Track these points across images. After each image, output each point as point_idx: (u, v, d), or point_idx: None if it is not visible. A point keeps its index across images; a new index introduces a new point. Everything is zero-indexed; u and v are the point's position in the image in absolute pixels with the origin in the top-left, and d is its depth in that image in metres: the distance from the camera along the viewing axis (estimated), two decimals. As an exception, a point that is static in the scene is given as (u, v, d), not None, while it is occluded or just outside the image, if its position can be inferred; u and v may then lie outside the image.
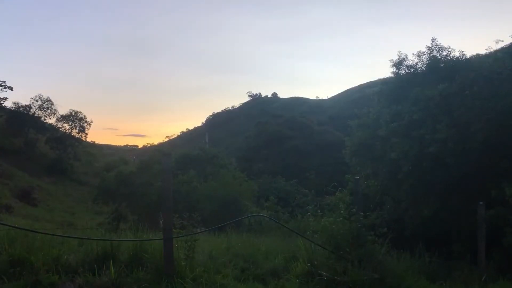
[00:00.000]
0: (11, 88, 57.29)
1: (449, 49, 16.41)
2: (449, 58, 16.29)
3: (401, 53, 17.53)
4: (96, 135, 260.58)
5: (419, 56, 16.98)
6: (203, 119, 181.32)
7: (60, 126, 64.23)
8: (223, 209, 19.92)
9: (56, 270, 4.62)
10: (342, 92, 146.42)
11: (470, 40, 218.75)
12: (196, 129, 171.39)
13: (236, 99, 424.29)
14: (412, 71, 17.18)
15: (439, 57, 16.45)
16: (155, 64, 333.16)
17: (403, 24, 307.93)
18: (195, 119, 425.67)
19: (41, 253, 4.92)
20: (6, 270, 4.43)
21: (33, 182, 47.30)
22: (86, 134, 67.03)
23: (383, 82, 18.54)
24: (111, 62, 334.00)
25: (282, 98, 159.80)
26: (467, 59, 16.12)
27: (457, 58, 16.15)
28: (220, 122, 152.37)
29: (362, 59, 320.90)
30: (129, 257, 5.29)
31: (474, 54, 17.25)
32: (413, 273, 6.54)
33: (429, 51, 16.72)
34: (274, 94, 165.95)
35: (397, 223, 12.56)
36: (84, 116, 65.45)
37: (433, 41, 16.71)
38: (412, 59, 17.26)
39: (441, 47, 16.52)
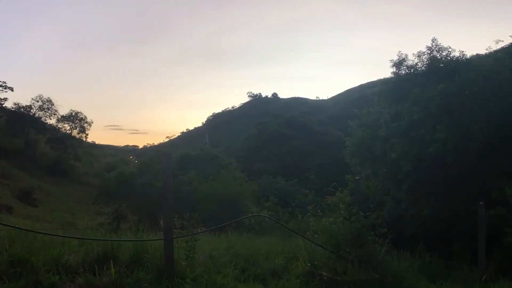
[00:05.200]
0: (11, 89, 57.42)
1: (449, 49, 16.44)
2: (449, 58, 16.29)
3: (401, 53, 17.57)
4: (96, 134, 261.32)
5: (419, 56, 17.00)
6: (203, 119, 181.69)
7: (61, 126, 64.28)
8: (224, 209, 19.90)
9: (56, 271, 4.62)
10: (342, 92, 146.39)
11: (470, 40, 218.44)
12: (196, 129, 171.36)
13: (236, 99, 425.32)
14: (412, 71, 17.19)
15: (439, 57, 16.45)
16: (156, 64, 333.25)
17: (403, 24, 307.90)
18: (195, 119, 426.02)
19: (42, 253, 4.93)
20: (6, 271, 4.43)
21: (33, 183, 47.30)
22: (87, 134, 67.11)
23: (383, 82, 18.55)
24: (111, 61, 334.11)
25: (282, 98, 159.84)
26: (467, 59, 16.12)
27: (457, 58, 16.16)
28: (220, 122, 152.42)
29: (362, 59, 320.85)
30: (129, 258, 5.30)
31: (474, 54, 17.30)
32: (413, 273, 6.54)
33: (429, 51, 16.73)
34: (274, 94, 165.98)
35: (397, 223, 12.59)
36: (85, 116, 65.54)
37: (433, 41, 16.73)
38: (412, 59, 17.29)
39: (441, 47, 16.53)
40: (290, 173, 52.67)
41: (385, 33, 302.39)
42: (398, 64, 17.46)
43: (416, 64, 17.15)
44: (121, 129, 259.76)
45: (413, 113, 14.00)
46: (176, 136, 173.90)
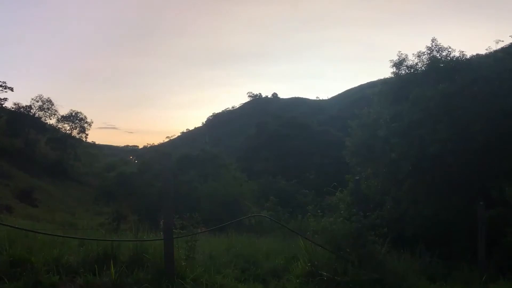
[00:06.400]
0: (11, 89, 57.56)
1: (449, 49, 16.39)
2: (449, 58, 16.27)
3: (401, 53, 17.52)
4: (94, 133, 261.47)
5: (419, 56, 16.97)
6: (203, 119, 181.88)
7: (61, 126, 64.37)
8: (224, 209, 19.94)
9: (56, 271, 4.62)
10: (342, 92, 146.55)
11: (470, 40, 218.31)
12: (196, 129, 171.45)
13: (236, 99, 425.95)
14: (412, 71, 17.17)
15: (439, 57, 16.43)
16: (156, 64, 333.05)
17: (403, 24, 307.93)
18: (195, 119, 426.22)
19: (42, 253, 4.93)
20: (6, 271, 4.44)
21: (33, 183, 47.30)
22: (87, 134, 67.17)
23: (383, 82, 18.52)
24: (111, 61, 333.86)
25: (282, 98, 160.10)
26: (467, 59, 16.10)
27: (457, 58, 16.13)
28: (220, 122, 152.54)
29: (363, 59, 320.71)
30: (129, 258, 5.30)
31: (474, 54, 17.24)
32: (413, 273, 6.53)
33: (429, 51, 16.70)
34: (274, 94, 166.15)
35: (397, 223, 12.57)
36: (85, 116, 65.64)
37: (433, 41, 16.70)
38: (412, 59, 17.25)
39: (441, 47, 16.50)
40: (290, 173, 52.68)
41: (385, 33, 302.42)
42: (398, 64, 17.44)
43: (416, 64, 17.13)
44: (115, 129, 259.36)
45: (413, 113, 13.99)
46: (176, 136, 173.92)
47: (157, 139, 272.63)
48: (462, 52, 16.28)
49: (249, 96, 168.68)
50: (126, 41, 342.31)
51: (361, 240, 6.14)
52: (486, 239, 8.08)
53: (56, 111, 62.81)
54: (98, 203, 39.31)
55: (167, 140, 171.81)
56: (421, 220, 12.90)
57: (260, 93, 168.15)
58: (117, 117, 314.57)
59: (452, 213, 12.43)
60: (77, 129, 64.94)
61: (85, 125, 65.41)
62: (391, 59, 17.65)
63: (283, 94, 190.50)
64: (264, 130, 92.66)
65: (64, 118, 64.09)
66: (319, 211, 8.09)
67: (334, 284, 5.58)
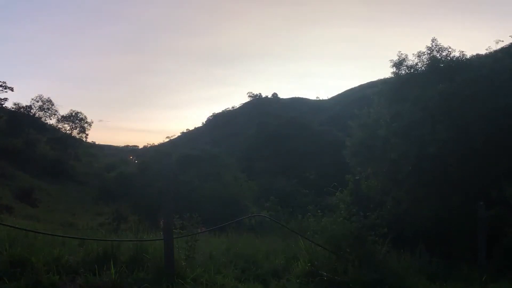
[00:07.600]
0: (11, 89, 57.67)
1: (449, 49, 16.41)
2: (449, 58, 16.27)
3: (401, 53, 17.53)
4: (95, 133, 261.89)
5: (419, 56, 16.98)
6: (204, 119, 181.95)
7: (61, 126, 64.53)
8: (224, 209, 19.97)
9: (56, 271, 4.62)
10: (342, 92, 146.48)
11: (470, 40, 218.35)
12: (196, 129, 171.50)
13: (236, 99, 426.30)
14: (412, 71, 17.18)
15: (439, 57, 16.44)
16: (156, 63, 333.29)
17: (403, 24, 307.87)
18: (195, 119, 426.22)
19: (42, 253, 4.93)
20: (6, 271, 4.43)
21: (33, 183, 47.36)
22: (87, 134, 67.31)
23: (383, 82, 18.53)
24: (111, 61, 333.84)
25: (282, 99, 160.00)
26: (467, 59, 16.11)
27: (457, 58, 16.14)
28: (220, 123, 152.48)
29: (363, 59, 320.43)
30: (129, 258, 5.30)
31: (474, 54, 17.26)
32: (413, 273, 6.53)
33: (429, 51, 16.71)
34: (274, 95, 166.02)
35: (397, 223, 12.57)
36: (85, 116, 65.79)
37: (433, 41, 16.71)
38: (412, 59, 17.26)
39: (441, 47, 16.52)
40: (290, 173, 52.76)
41: (386, 32, 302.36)
42: (398, 64, 17.44)
43: (416, 64, 17.14)
44: (115, 128, 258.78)
45: (413, 113, 14.01)
46: (176, 136, 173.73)
47: (157, 139, 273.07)
48: (462, 52, 16.32)
49: (249, 96, 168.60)
50: (126, 41, 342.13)
51: (361, 240, 6.14)
52: (486, 239, 8.08)
53: (56, 111, 63.09)
54: (98, 203, 39.34)
55: (167, 140, 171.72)
56: (421, 220, 12.91)
57: (260, 93, 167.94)
58: (117, 117, 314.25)
59: (452, 213, 12.43)
60: (77, 129, 65.12)
61: (85, 125, 65.58)
62: (391, 59, 17.68)
63: (283, 94, 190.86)
64: (264, 130, 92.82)
65: (64, 118, 64.33)
66: (319, 211, 8.08)
67: (334, 284, 5.58)
